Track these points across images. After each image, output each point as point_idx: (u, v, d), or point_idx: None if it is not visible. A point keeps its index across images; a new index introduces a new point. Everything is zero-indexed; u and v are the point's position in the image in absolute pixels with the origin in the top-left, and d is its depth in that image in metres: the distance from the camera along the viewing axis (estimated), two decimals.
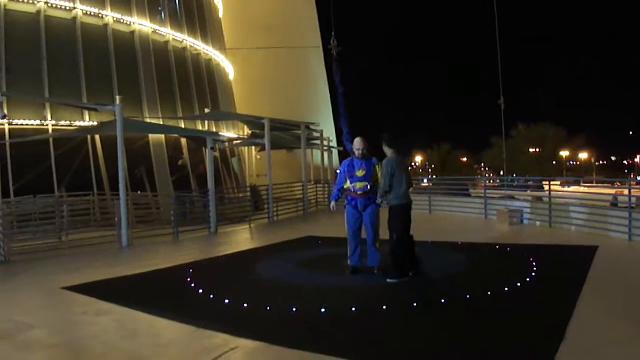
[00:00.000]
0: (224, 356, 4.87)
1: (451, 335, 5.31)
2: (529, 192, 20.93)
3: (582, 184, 29.22)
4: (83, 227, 15.30)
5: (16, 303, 7.33)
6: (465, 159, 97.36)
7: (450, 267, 8.61)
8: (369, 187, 8.11)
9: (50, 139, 20.63)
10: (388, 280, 7.51)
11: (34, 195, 17.12)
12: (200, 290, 7.36)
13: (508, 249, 10.15)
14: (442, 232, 12.53)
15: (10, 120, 19.50)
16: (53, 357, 5.12)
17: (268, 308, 6.32)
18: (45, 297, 7.70)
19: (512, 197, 17.15)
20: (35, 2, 21.28)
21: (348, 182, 8.27)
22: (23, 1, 21.04)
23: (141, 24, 25.11)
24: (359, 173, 8.13)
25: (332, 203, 8.69)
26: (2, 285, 8.79)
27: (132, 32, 24.84)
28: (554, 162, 77.20)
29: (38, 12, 21.38)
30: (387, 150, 7.97)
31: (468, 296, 6.53)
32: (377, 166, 8.13)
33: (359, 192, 8.13)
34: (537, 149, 74.98)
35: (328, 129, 41.40)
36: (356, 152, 8.21)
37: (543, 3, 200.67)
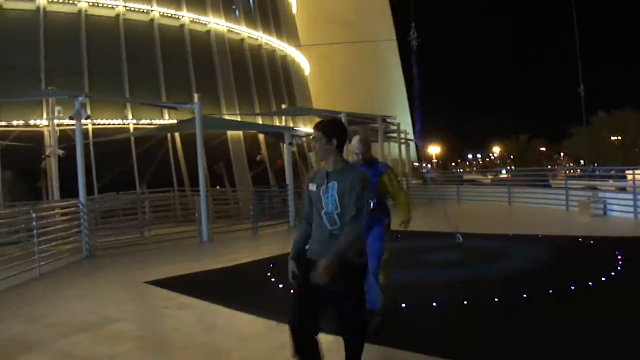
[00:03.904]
0: None
1: (533, 333, 4.89)
2: (611, 182, 19.80)
3: None
4: (164, 223, 15.49)
5: (100, 297, 7.39)
6: (544, 149, 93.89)
7: (531, 262, 8.25)
8: (373, 204, 5.48)
9: (132, 138, 21.18)
10: None
11: (117, 193, 17.53)
12: (281, 286, 7.16)
13: (592, 242, 9.61)
14: (522, 225, 12.24)
15: (94, 121, 20.05)
16: (136, 349, 5.09)
17: None
18: (129, 291, 7.79)
19: (594, 188, 16.35)
20: (115, 6, 21.93)
21: None
22: (103, 6, 21.71)
23: (217, 23, 25.44)
24: None
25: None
26: (86, 280, 8.94)
27: (208, 32, 25.20)
28: (639, 150, 72.99)
29: (117, 16, 22.04)
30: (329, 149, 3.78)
31: (551, 292, 6.11)
32: (385, 175, 5.52)
33: None
34: (620, 137, 71.13)
35: (405, 122, 40.85)
36: (355, 158, 5.52)
37: None
